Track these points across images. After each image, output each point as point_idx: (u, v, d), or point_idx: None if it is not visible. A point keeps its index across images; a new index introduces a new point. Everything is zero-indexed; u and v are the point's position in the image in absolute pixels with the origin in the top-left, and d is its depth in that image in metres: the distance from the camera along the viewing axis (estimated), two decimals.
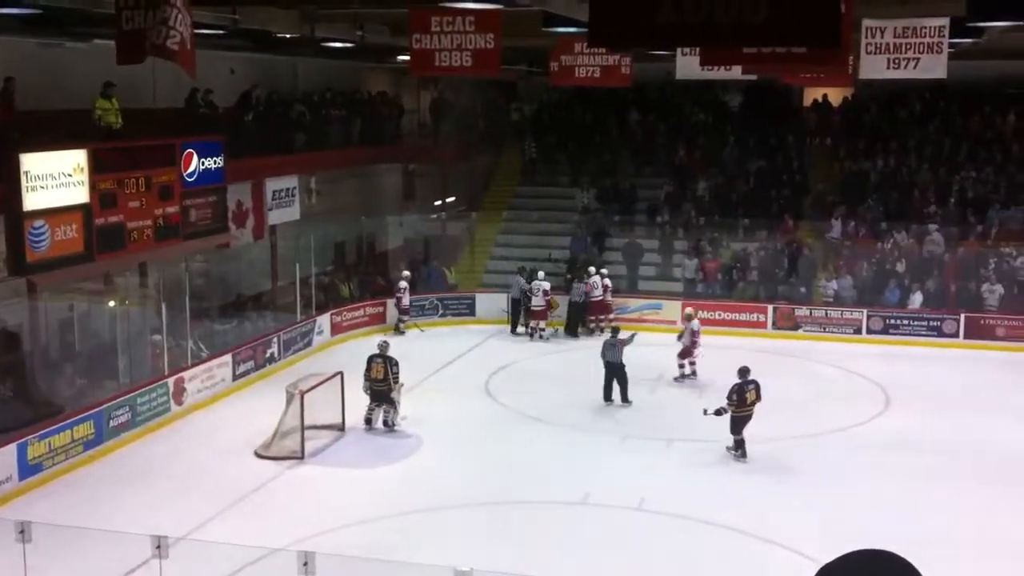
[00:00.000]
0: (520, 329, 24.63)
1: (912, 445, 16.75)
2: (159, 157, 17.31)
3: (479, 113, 32.62)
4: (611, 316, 24.51)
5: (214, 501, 14.16)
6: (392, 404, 17.34)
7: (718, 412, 15.93)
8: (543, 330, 24.23)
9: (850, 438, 17.17)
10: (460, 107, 31.03)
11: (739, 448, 15.91)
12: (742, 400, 15.69)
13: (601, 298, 24.52)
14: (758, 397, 15.81)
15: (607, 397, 18.88)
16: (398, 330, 24.18)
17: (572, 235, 27.89)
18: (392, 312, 24.69)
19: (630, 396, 18.81)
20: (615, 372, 18.88)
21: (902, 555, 3.75)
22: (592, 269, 24.79)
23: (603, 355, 19.03)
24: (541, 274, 24.47)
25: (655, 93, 30.96)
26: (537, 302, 24.07)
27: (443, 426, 17.71)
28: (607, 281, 24.78)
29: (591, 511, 14.13)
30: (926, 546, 12.67)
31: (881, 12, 14.71)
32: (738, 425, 15.83)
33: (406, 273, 24.84)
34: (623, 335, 19.30)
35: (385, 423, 17.36)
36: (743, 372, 15.99)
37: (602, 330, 23.18)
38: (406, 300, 24.38)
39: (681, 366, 20.52)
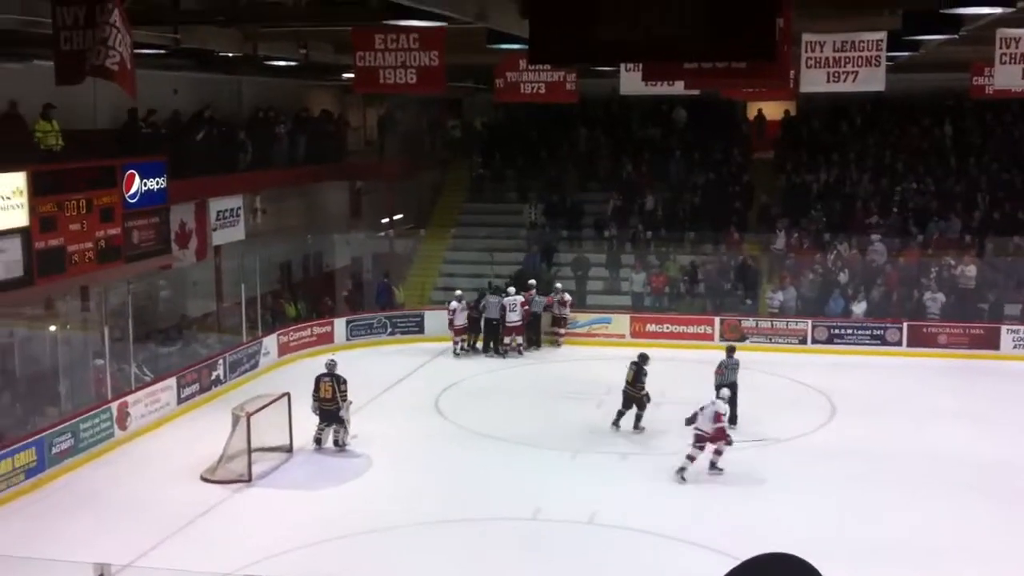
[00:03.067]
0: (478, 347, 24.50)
1: (858, 453, 16.94)
2: (100, 179, 17.04)
3: (425, 130, 32.59)
4: (562, 332, 24.64)
5: (160, 527, 13.94)
6: (342, 423, 17.20)
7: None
8: (520, 344, 24.15)
9: (797, 447, 17.34)
10: (406, 124, 30.99)
11: (617, 418, 18.00)
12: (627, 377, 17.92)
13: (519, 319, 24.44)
14: (635, 380, 17.89)
15: (732, 420, 17.15)
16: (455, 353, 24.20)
17: (523, 251, 27.92)
18: (340, 329, 24.56)
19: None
20: (735, 394, 17.75)
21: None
22: (531, 282, 24.95)
23: (721, 378, 17.93)
24: (512, 289, 24.46)
25: (600, 110, 31.12)
26: (514, 317, 24.01)
27: (393, 445, 17.61)
28: (566, 296, 25.07)
29: (542, 526, 14.11)
30: (872, 552, 12.87)
31: (820, 26, 14.89)
32: (625, 400, 17.97)
33: (458, 292, 24.63)
34: (737, 355, 18.51)
35: (335, 443, 17.22)
36: (642, 358, 18.07)
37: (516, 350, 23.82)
38: (459, 320, 24.14)
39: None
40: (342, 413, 17.15)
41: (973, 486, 15.41)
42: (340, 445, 17.20)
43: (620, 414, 18.15)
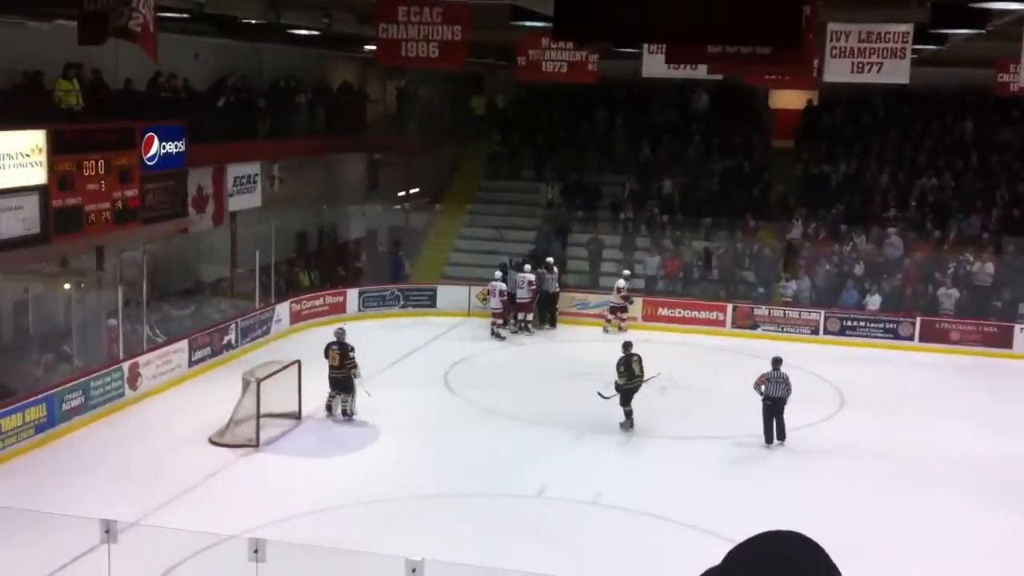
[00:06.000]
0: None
1: (865, 446, 16.93)
2: (119, 140, 17.12)
3: (445, 105, 32.55)
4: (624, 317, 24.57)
5: (166, 487, 14.06)
6: (351, 392, 17.26)
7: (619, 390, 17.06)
8: (529, 322, 24.15)
9: (804, 438, 17.31)
10: (426, 99, 30.96)
11: (627, 418, 17.06)
12: (629, 372, 16.91)
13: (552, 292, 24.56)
14: (642, 371, 17.05)
15: (769, 439, 16.63)
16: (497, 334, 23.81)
17: (537, 230, 27.91)
18: (353, 300, 24.66)
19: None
20: (779, 408, 16.59)
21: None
22: (527, 266, 24.72)
23: (766, 392, 16.50)
24: (527, 267, 24.48)
25: (621, 92, 31.01)
26: (523, 294, 24.01)
27: (400, 417, 17.67)
28: (621, 283, 24.71)
29: (547, 504, 14.17)
30: (877, 547, 12.88)
31: (846, 16, 14.82)
32: (627, 397, 17.03)
33: (498, 273, 24.42)
34: (783, 368, 16.76)
35: (344, 412, 17.29)
36: (627, 346, 17.37)
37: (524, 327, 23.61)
38: (494, 302, 23.92)
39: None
40: (356, 381, 17.20)
41: (981, 484, 15.39)
42: (348, 414, 17.27)
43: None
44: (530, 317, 24.21)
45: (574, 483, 14.83)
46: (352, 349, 17.24)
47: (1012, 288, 24.51)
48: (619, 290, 24.41)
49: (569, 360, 21.98)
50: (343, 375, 17.16)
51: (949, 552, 13.02)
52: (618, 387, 17.20)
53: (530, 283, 24.07)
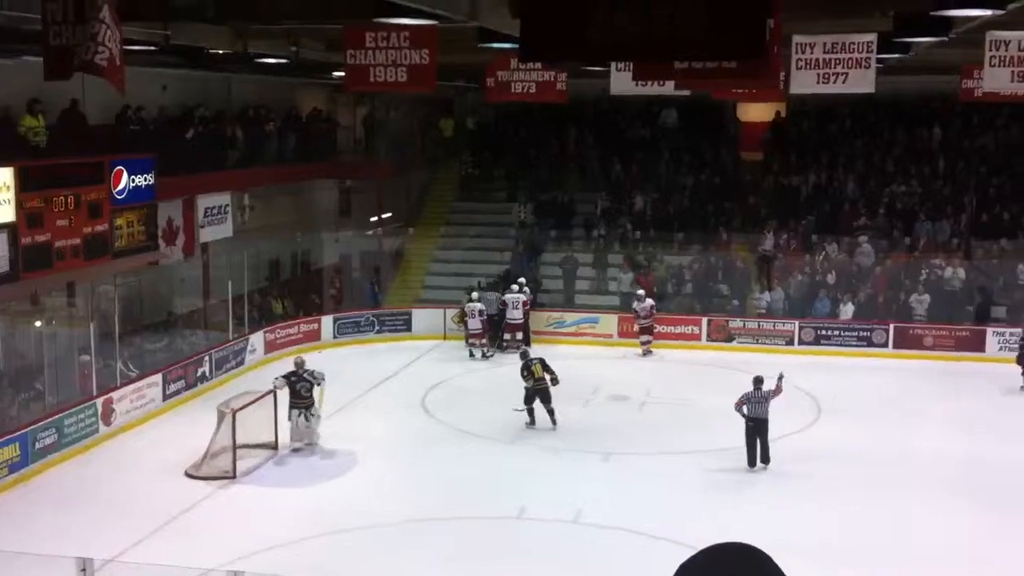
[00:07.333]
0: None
1: (845, 454, 16.98)
2: (88, 175, 16.99)
3: (415, 129, 32.55)
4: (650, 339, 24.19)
5: (144, 523, 13.89)
6: (310, 408, 16.99)
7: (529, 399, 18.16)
8: (520, 341, 23.71)
9: (784, 448, 17.32)
10: (396, 123, 30.94)
11: (529, 416, 18.18)
12: (531, 374, 18.07)
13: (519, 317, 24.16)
14: (545, 370, 18.09)
15: (752, 462, 16.25)
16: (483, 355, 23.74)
17: (511, 251, 27.89)
18: (328, 327, 24.56)
19: None
20: (761, 430, 16.19)
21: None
22: (515, 286, 24.55)
23: (748, 413, 16.07)
24: (515, 287, 24.32)
25: (590, 110, 31.12)
26: (516, 315, 23.89)
27: (379, 443, 17.59)
28: (648, 301, 24.19)
29: (527, 525, 14.11)
30: (854, 554, 12.90)
31: (811, 28, 14.94)
32: (534, 397, 18.12)
33: (475, 294, 24.25)
34: (767, 384, 16.37)
35: (306, 419, 16.96)
36: (524, 355, 18.88)
37: (517, 347, 22.66)
38: (473, 323, 23.78)
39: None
40: (316, 407, 17.04)
41: (957, 488, 15.46)
42: (308, 420, 16.95)
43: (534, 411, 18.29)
44: (520, 336, 24.00)
45: (555, 502, 14.78)
46: (315, 375, 17.02)
47: (983, 292, 24.70)
48: (649, 310, 23.83)
49: None
50: (311, 402, 16.99)
51: (928, 556, 13.04)
52: (527, 391, 18.23)
53: (524, 303, 23.96)
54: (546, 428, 18.20)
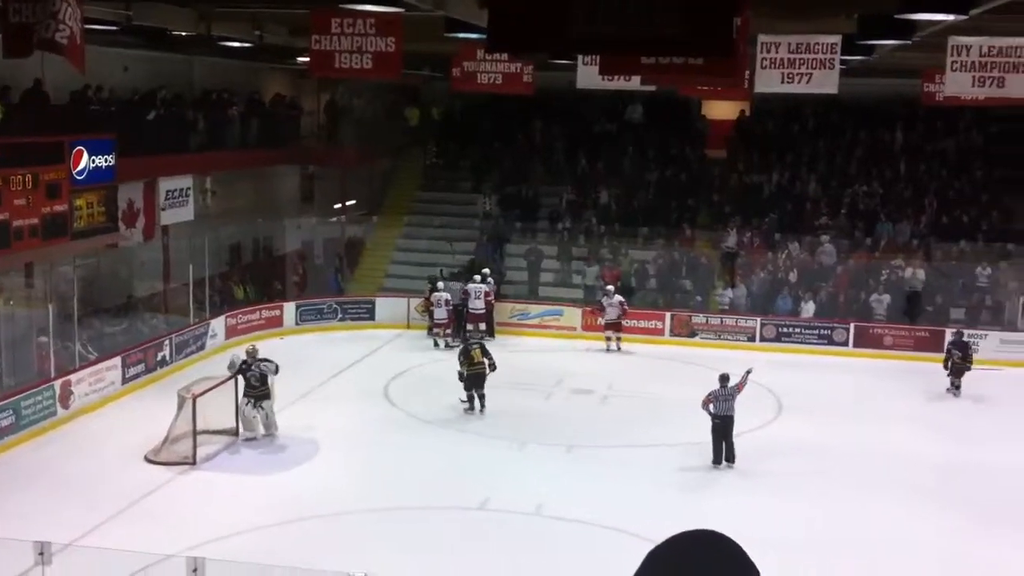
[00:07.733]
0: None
1: (805, 450, 17.14)
2: (47, 154, 16.79)
3: (380, 117, 32.43)
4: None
5: (102, 507, 13.78)
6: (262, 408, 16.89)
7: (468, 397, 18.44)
8: (483, 332, 23.68)
9: (744, 444, 17.46)
10: (360, 110, 30.79)
11: (469, 402, 18.40)
12: (469, 359, 18.25)
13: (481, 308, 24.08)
14: (484, 355, 18.34)
15: (718, 460, 16.19)
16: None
17: (475, 241, 27.87)
18: (290, 313, 24.44)
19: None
20: (728, 428, 16.09)
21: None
22: (478, 276, 24.49)
23: (715, 411, 15.98)
24: (477, 277, 24.26)
25: (556, 103, 31.11)
26: (479, 305, 23.83)
27: (341, 432, 17.53)
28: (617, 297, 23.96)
29: (489, 516, 14.13)
30: (811, 548, 13.04)
31: (776, 27, 15.04)
32: (470, 382, 18.30)
33: (441, 284, 24.11)
34: (733, 380, 16.15)
35: (265, 426, 16.93)
36: (465, 339, 19.49)
37: (480, 337, 22.40)
38: (439, 313, 23.74)
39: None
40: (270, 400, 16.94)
41: (916, 483, 15.67)
42: (269, 430, 16.93)
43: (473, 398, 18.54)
44: (482, 327, 23.96)
45: (517, 494, 14.80)
46: (267, 364, 16.86)
47: (942, 293, 25.03)
48: (621, 303, 23.69)
49: (511, 371, 21.90)
50: (265, 391, 16.87)
51: (888, 549, 13.21)
52: (461, 376, 18.41)
53: (486, 293, 23.94)
54: (503, 417, 18.23)
